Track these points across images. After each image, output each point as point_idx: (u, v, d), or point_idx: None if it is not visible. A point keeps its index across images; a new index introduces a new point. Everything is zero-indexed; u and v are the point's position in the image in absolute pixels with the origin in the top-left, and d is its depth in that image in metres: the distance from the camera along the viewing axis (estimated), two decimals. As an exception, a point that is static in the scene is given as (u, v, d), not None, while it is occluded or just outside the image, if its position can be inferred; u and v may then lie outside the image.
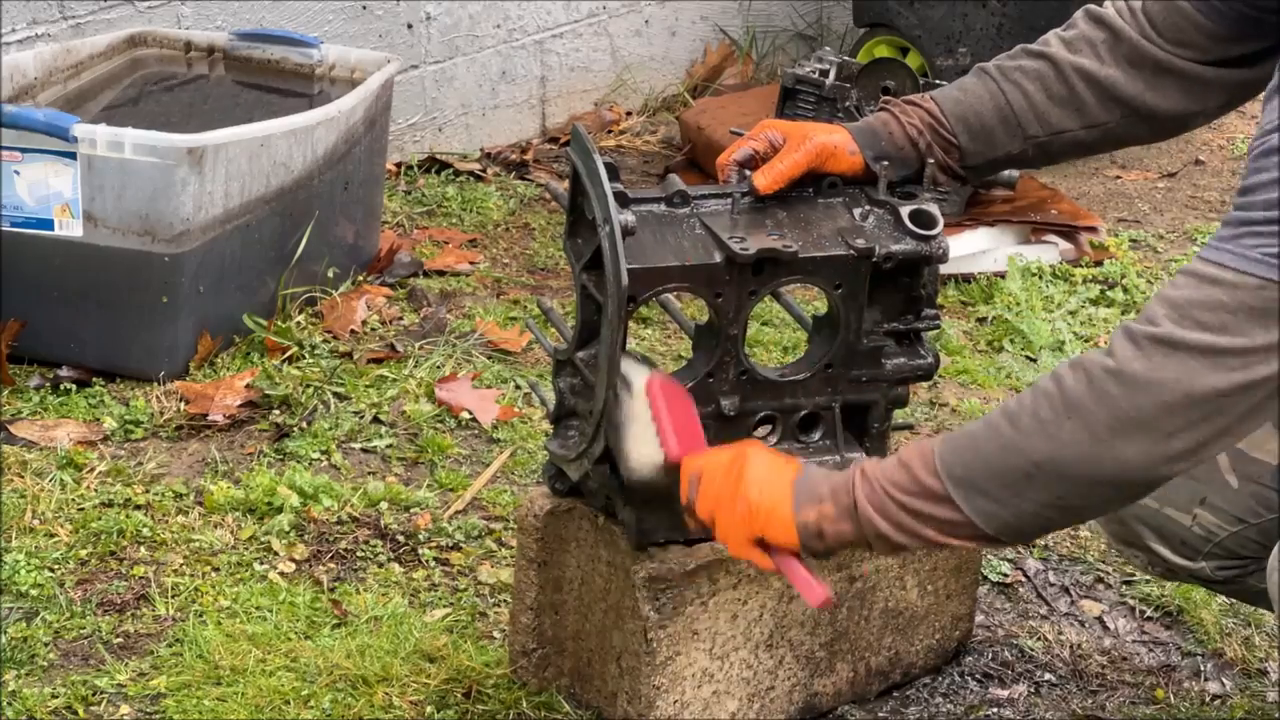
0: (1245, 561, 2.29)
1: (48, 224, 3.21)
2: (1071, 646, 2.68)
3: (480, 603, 2.69)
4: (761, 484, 2.05)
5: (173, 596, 2.66)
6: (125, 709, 2.42)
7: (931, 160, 2.30)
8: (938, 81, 3.80)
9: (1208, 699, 2.59)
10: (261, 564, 2.75)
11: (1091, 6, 2.28)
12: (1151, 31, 2.23)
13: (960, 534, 1.94)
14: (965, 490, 1.92)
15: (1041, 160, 2.35)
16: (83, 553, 2.74)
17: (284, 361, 3.33)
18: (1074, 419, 1.86)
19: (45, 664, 2.50)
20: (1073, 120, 2.28)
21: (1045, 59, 2.27)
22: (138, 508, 2.87)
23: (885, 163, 2.30)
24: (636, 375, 2.18)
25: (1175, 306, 1.84)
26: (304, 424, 3.14)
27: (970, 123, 2.29)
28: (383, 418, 3.20)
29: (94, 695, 2.43)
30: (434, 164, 4.44)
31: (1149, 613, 2.78)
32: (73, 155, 3.16)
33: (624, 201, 2.18)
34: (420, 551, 2.81)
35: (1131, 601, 2.81)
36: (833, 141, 2.29)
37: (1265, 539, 2.26)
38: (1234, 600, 2.76)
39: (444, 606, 2.68)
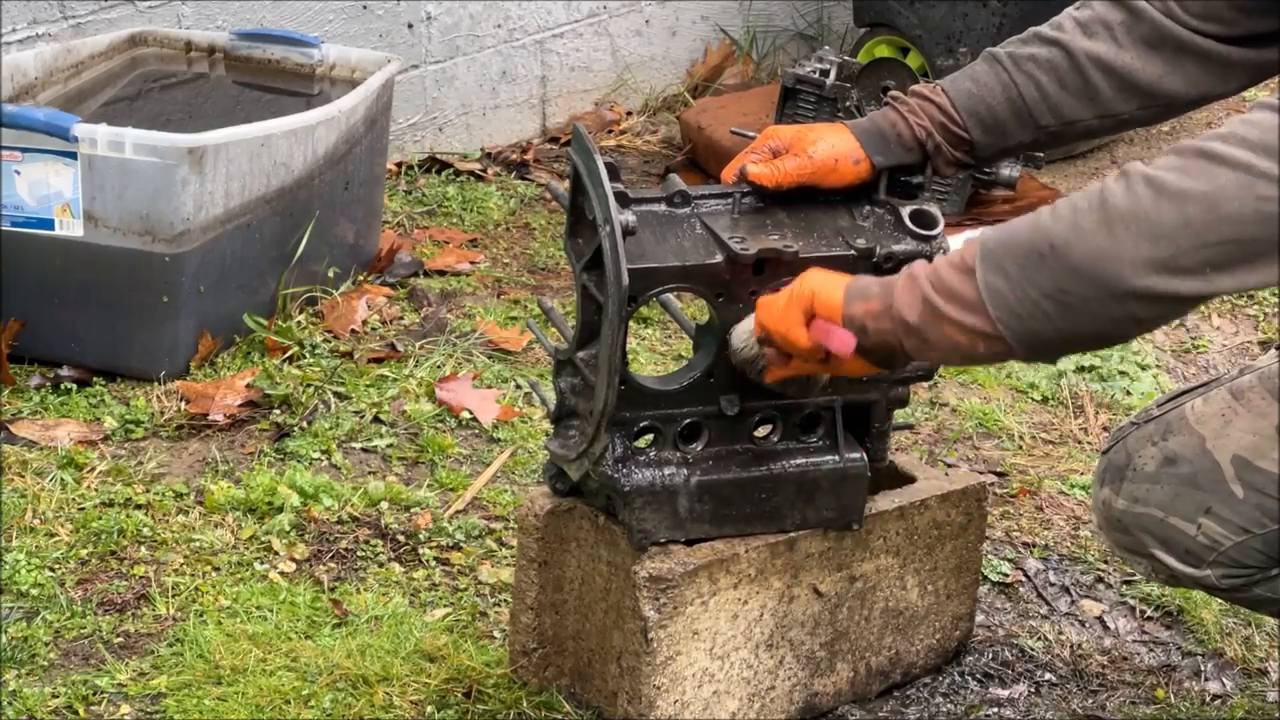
0: (1251, 570, 2.27)
1: (48, 224, 3.21)
2: (1072, 646, 2.68)
3: (480, 602, 2.69)
4: (819, 277, 2.11)
5: (173, 596, 2.66)
6: (125, 709, 2.42)
7: (938, 160, 2.30)
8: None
9: (1208, 699, 2.59)
10: (262, 564, 2.75)
11: None
12: (1176, 7, 2.20)
13: (969, 319, 1.95)
14: (987, 264, 1.94)
15: (1052, 146, 2.36)
16: (83, 552, 2.74)
17: (284, 361, 3.33)
18: (1100, 212, 1.88)
19: (45, 664, 2.50)
20: (1086, 110, 2.26)
21: (1059, 46, 2.25)
22: (138, 507, 2.87)
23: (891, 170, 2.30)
24: None
25: (1232, 125, 1.85)
26: (304, 424, 3.14)
27: (982, 116, 2.28)
28: (383, 417, 3.20)
29: (94, 695, 2.44)
30: (434, 164, 4.44)
31: (1149, 613, 2.78)
32: (73, 155, 3.16)
33: (624, 201, 2.18)
34: (420, 551, 2.81)
35: (1131, 601, 2.81)
36: (834, 154, 2.29)
37: (1270, 549, 2.24)
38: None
39: (444, 606, 2.68)
